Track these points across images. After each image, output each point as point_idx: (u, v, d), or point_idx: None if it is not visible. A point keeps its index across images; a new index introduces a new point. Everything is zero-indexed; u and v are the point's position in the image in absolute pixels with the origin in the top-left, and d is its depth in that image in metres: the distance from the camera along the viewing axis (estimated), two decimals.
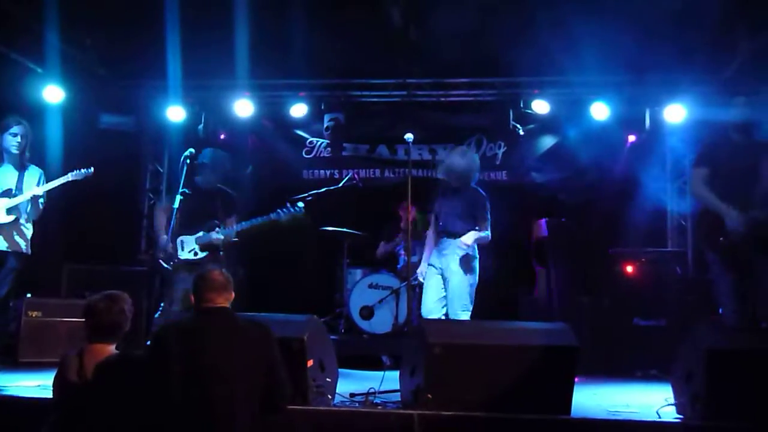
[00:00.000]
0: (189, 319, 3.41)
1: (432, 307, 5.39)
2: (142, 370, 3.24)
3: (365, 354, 6.54)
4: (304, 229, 6.51)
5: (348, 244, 7.48)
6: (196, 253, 5.56)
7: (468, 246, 5.31)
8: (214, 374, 3.12)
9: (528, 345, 4.06)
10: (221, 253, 5.68)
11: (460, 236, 5.34)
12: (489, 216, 5.47)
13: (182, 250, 5.56)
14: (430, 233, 5.67)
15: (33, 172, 5.58)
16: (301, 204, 5.64)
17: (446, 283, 5.41)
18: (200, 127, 8.37)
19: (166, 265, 5.47)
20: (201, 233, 5.57)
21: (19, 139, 5.49)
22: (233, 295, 3.42)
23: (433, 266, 5.51)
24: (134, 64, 7.54)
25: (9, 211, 5.42)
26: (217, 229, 5.58)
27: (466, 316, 5.30)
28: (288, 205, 5.63)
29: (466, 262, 5.37)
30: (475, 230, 5.35)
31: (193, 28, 6.46)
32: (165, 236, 5.48)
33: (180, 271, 5.46)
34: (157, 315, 5.43)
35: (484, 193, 5.59)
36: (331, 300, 7.68)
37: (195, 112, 8.30)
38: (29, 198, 5.43)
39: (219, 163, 5.78)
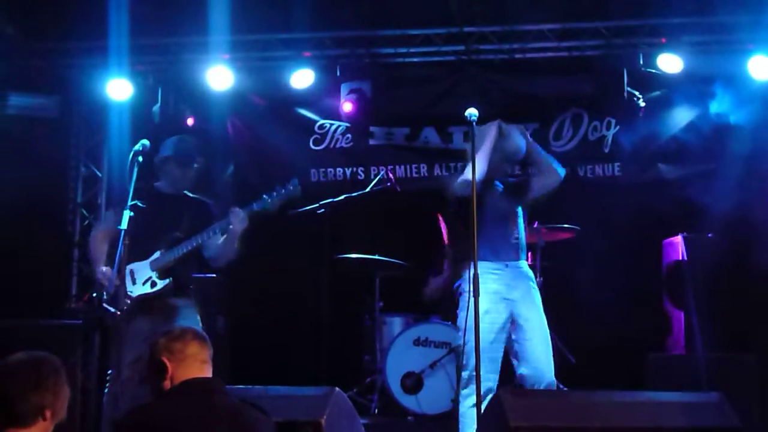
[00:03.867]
0: (155, 406, 3.42)
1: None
2: None
3: None
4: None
5: (381, 280, 7.50)
6: (153, 283, 5.57)
7: None
8: None
9: (663, 427, 4.02)
10: (191, 286, 5.70)
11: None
12: None
13: (133, 284, 5.56)
14: None
15: None
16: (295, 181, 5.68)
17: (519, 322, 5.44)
18: (156, 108, 8.46)
19: (112, 309, 5.45)
20: (158, 253, 5.60)
21: None
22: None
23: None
24: (59, 19, 7.64)
25: None
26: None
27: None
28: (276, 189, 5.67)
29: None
30: None
31: None
32: (104, 267, 5.49)
33: (135, 318, 5.44)
34: (105, 391, 5.45)
35: None
36: (359, 365, 7.71)
37: (148, 87, 8.41)
38: None
39: (189, 156, 5.81)
